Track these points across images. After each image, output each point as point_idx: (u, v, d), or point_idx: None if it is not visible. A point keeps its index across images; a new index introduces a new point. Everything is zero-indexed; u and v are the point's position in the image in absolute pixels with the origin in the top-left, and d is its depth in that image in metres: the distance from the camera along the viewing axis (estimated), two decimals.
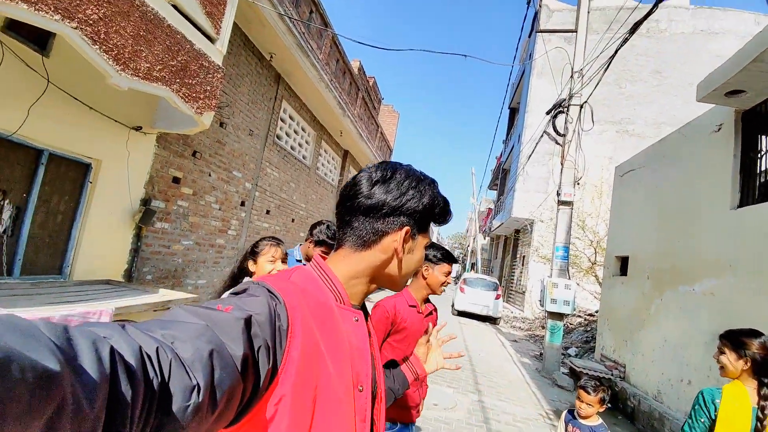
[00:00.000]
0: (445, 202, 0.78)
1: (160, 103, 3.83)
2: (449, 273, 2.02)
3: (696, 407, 1.81)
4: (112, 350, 0.35)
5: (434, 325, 2.10)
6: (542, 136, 8.76)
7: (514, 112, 20.24)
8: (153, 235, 4.41)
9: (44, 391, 0.26)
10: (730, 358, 1.77)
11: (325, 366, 0.58)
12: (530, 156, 10.47)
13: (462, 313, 11.80)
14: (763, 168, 3.85)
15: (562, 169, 7.13)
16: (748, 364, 1.71)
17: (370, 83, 13.51)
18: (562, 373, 6.24)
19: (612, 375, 5.60)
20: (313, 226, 2.50)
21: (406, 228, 0.71)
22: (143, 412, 0.36)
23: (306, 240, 2.57)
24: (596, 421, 2.33)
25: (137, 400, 0.35)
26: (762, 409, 1.61)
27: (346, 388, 0.60)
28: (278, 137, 7.29)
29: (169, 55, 3.00)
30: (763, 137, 3.86)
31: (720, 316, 3.85)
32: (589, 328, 8.65)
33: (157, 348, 0.40)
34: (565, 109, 7.54)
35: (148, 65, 2.81)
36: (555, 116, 7.87)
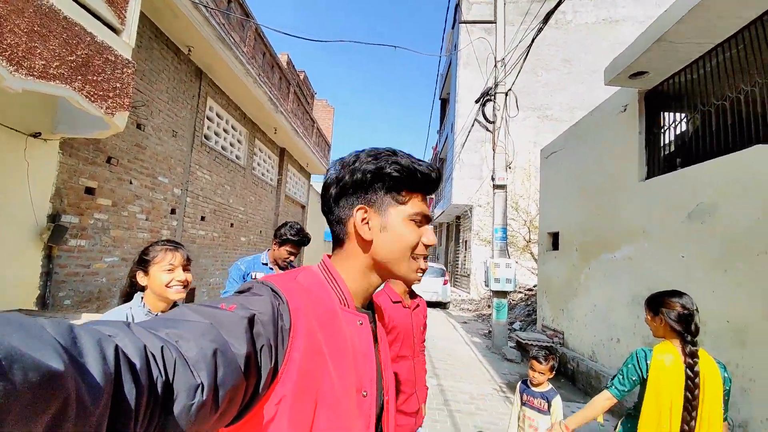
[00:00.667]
0: (408, 160, 0.67)
1: (60, 104, 3.35)
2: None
3: (629, 365, 1.84)
4: (117, 349, 0.35)
5: (424, 318, 2.01)
6: (473, 124, 9.16)
7: (445, 102, 20.95)
8: (67, 255, 3.89)
9: (47, 391, 0.26)
10: (649, 320, 1.86)
11: (328, 369, 0.57)
12: (464, 144, 10.90)
13: None
14: (665, 142, 4.37)
15: (494, 155, 7.51)
16: (663, 323, 1.78)
17: (301, 77, 13.12)
18: (510, 347, 6.64)
19: (553, 342, 6.08)
20: (278, 229, 2.52)
21: (358, 206, 0.67)
22: (147, 411, 0.36)
23: (273, 243, 2.54)
24: (547, 387, 2.50)
25: (141, 400, 0.35)
26: (690, 366, 1.65)
27: (348, 392, 0.58)
28: (206, 137, 6.80)
29: (66, 49, 2.63)
30: (665, 114, 4.36)
31: (638, 278, 4.33)
32: (529, 302, 9.31)
33: (162, 347, 0.40)
34: (492, 97, 7.95)
35: (43, 62, 2.44)
36: (483, 104, 8.26)
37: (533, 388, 2.50)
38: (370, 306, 0.74)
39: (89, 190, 4.14)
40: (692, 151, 3.92)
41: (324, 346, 0.58)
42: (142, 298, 1.46)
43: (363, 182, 0.66)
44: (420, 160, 0.68)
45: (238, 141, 8.24)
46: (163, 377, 0.38)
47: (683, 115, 4.17)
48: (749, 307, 2.97)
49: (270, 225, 10.30)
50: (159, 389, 0.37)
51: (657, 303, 1.83)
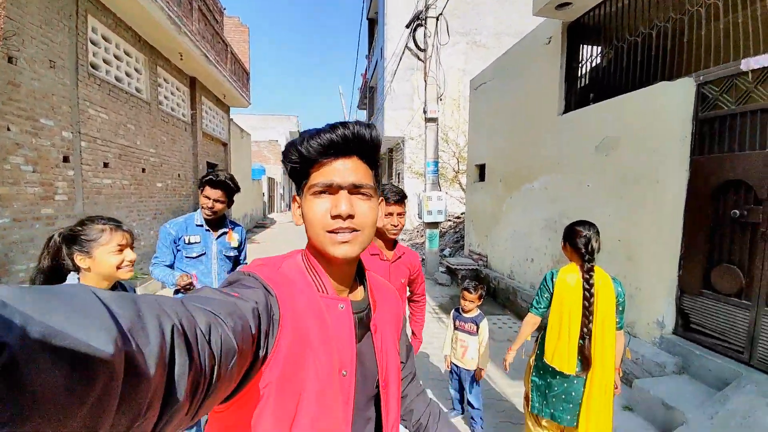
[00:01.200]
0: (303, 137, 0.67)
1: None
2: (390, 213, 1.89)
3: (541, 286, 2.16)
4: (173, 324, 0.37)
5: (408, 270, 2.07)
6: (404, 51, 8.78)
7: (373, 23, 19.54)
8: None
9: (86, 372, 0.26)
10: (562, 246, 2.15)
11: (313, 355, 0.61)
12: (395, 72, 10.52)
13: None
14: (582, 76, 4.62)
15: (426, 86, 7.40)
16: (568, 247, 2.07)
17: None
18: (441, 272, 7.25)
19: (478, 265, 6.74)
20: (202, 177, 2.34)
21: (293, 195, 0.74)
22: (195, 379, 0.39)
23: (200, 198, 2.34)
24: (475, 312, 2.82)
25: (191, 369, 0.38)
26: (586, 280, 2.00)
27: (332, 374, 0.63)
28: (94, 66, 5.68)
29: None
30: (584, 48, 4.55)
31: (552, 206, 4.83)
32: (457, 230, 10.04)
33: (210, 322, 0.44)
34: (423, 21, 7.58)
35: None
36: (414, 29, 7.88)
37: (464, 314, 2.81)
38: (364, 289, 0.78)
39: None
40: (604, 85, 4.21)
41: (310, 333, 0.62)
42: (78, 279, 1.38)
43: (291, 169, 0.70)
44: (321, 130, 0.65)
45: (136, 70, 7.02)
46: (209, 348, 0.42)
47: (599, 49, 4.39)
48: (638, 228, 3.51)
49: (189, 167, 9.40)
50: (206, 359, 0.41)
51: (566, 231, 2.11)
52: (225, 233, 2.41)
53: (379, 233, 1.97)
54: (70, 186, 5.01)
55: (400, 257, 2.06)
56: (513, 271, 5.82)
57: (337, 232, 0.65)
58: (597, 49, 4.41)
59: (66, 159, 4.94)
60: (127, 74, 6.70)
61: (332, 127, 0.65)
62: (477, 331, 2.75)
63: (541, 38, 5.10)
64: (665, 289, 3.25)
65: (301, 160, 0.66)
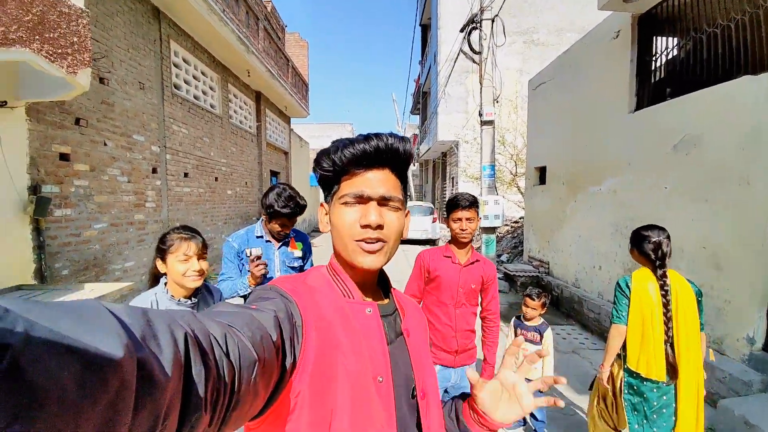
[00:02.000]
0: (337, 146, 0.67)
1: (21, 68, 3.05)
2: (459, 219, 2.00)
3: (617, 295, 2.09)
4: (186, 333, 0.37)
5: (482, 277, 2.06)
6: (458, 55, 8.71)
7: (426, 29, 19.62)
8: (56, 226, 3.80)
9: (95, 377, 0.26)
10: (629, 250, 2.14)
11: (344, 360, 0.60)
12: (449, 76, 10.47)
13: (403, 241, 12.42)
14: (656, 69, 4.28)
15: (481, 89, 7.27)
16: (637, 252, 2.06)
17: (269, 8, 11.96)
18: (499, 278, 7.04)
19: (539, 272, 6.46)
20: (265, 196, 2.09)
21: (321, 203, 0.74)
22: (214, 391, 0.39)
23: (263, 215, 2.21)
24: (539, 321, 2.72)
25: (209, 380, 0.38)
26: (661, 286, 1.96)
27: (366, 380, 0.61)
28: (176, 87, 6.35)
29: (22, 10, 2.36)
30: (658, 39, 4.22)
31: (621, 209, 4.51)
32: (515, 234, 9.69)
33: (225, 333, 0.43)
34: (478, 24, 7.47)
35: (2, 29, 2.21)
36: (469, 33, 7.79)
37: (526, 323, 2.72)
38: (391, 303, 0.76)
39: (64, 156, 3.93)
40: (682, 80, 3.87)
41: (338, 339, 0.61)
42: (165, 284, 1.50)
43: (320, 177, 0.70)
44: (355, 141, 0.66)
45: (211, 88, 7.72)
46: (228, 359, 0.41)
47: (675, 41, 4.05)
48: (725, 234, 3.17)
49: (255, 175, 10.09)
50: (225, 370, 0.40)
51: (634, 236, 2.10)
52: (287, 243, 2.27)
53: (453, 237, 2.10)
54: (157, 194, 5.62)
55: (473, 263, 2.09)
56: (578, 278, 5.50)
57: (365, 242, 0.65)
58: (672, 41, 4.07)
59: (154, 170, 5.56)
60: (203, 92, 7.39)
61: (366, 138, 0.65)
62: (540, 341, 2.65)
63: (608, 32, 4.82)
64: (756, 301, 2.90)
65: (333, 169, 0.67)
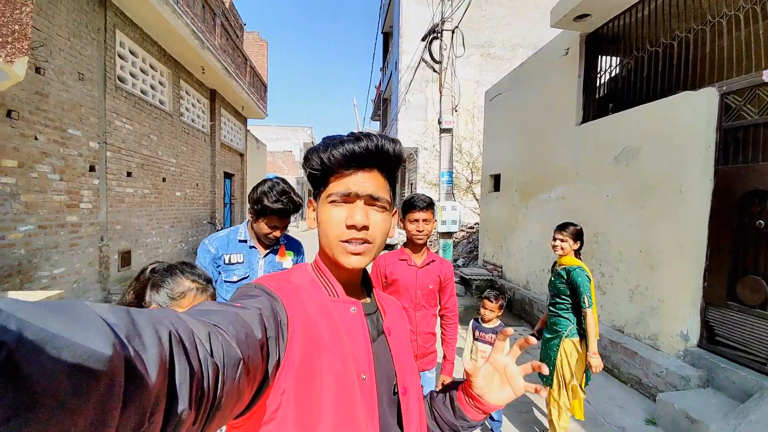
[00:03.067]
0: (327, 144, 0.66)
1: None
2: (416, 219, 1.98)
3: (586, 283, 2.39)
4: (170, 332, 0.37)
5: (438, 277, 2.06)
6: (419, 63, 8.88)
7: (388, 37, 19.88)
8: None
9: (88, 372, 0.26)
10: (569, 243, 2.51)
11: (328, 358, 0.60)
12: (410, 84, 10.64)
13: None
14: (601, 86, 4.60)
15: (440, 98, 7.44)
16: (577, 245, 2.53)
17: (227, 5, 11.54)
18: (456, 282, 7.19)
19: (493, 276, 6.67)
20: (253, 191, 1.78)
21: (309, 199, 0.75)
22: (200, 389, 0.38)
23: (249, 214, 1.86)
24: (496, 323, 2.78)
25: (193, 379, 0.37)
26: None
27: (350, 378, 0.61)
28: (121, 79, 5.91)
29: None
30: (603, 58, 4.54)
31: (569, 215, 4.76)
32: (471, 240, 9.97)
33: (209, 331, 0.43)
34: (439, 34, 7.67)
35: None
36: (430, 42, 7.97)
37: (484, 325, 2.78)
38: (370, 294, 0.78)
39: None
40: (624, 95, 4.19)
41: (323, 338, 0.61)
42: None
43: (309, 175, 0.70)
44: (346, 140, 0.65)
45: (160, 83, 7.27)
46: (212, 357, 0.41)
47: (619, 59, 4.38)
48: (660, 238, 3.44)
49: (207, 176, 9.61)
50: (209, 369, 0.40)
51: (580, 233, 2.56)
52: (275, 250, 1.91)
53: (408, 239, 2.07)
54: (94, 194, 5.17)
55: (429, 263, 2.08)
56: (529, 281, 5.74)
57: (350, 242, 0.65)
58: (616, 60, 4.40)
59: (92, 168, 5.11)
60: (152, 87, 6.94)
61: (356, 139, 0.65)
62: None
63: (559, 49, 5.12)
64: (689, 301, 3.16)
65: (322, 168, 0.67)
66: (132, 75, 6.27)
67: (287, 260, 1.93)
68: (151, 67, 6.90)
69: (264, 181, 1.79)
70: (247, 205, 1.95)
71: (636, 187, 3.72)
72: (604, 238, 4.15)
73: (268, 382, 0.53)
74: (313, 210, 0.72)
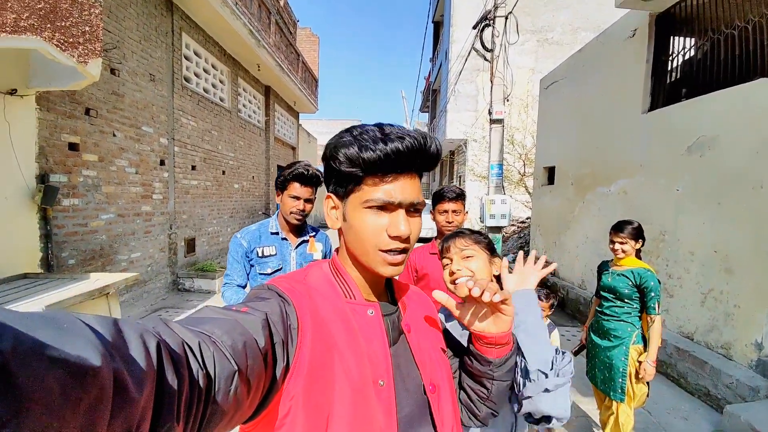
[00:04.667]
0: (359, 141, 0.60)
1: (33, 57, 3.08)
2: (445, 210, 1.96)
3: (657, 288, 2.24)
4: (159, 342, 0.37)
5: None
6: (470, 52, 8.62)
7: (438, 26, 19.49)
8: (63, 215, 3.84)
9: (77, 382, 0.27)
10: (631, 244, 2.33)
11: (343, 364, 0.58)
12: (460, 73, 10.38)
13: None
14: (672, 70, 4.18)
15: (492, 87, 7.18)
16: (639, 246, 2.36)
17: (281, 3, 11.96)
18: None
19: None
20: (278, 176, 1.85)
21: (327, 194, 0.68)
22: (188, 401, 0.38)
23: (276, 197, 1.92)
24: (546, 323, 2.68)
25: (182, 390, 0.37)
26: None
27: (366, 383, 0.59)
28: (187, 79, 6.37)
29: None
30: (675, 39, 4.12)
31: (631, 211, 4.42)
32: (521, 234, 9.60)
33: (199, 341, 0.42)
34: (491, 21, 7.38)
35: (14, 16, 2.22)
36: (482, 30, 7.70)
37: None
38: (394, 299, 0.74)
39: (73, 146, 3.97)
40: (698, 81, 3.77)
41: (337, 342, 0.59)
42: None
43: (330, 170, 0.65)
44: (387, 138, 0.59)
45: (221, 81, 7.74)
46: (203, 369, 0.40)
47: (692, 41, 3.95)
48: (737, 238, 3.09)
49: (262, 169, 10.12)
50: (200, 380, 0.40)
51: (640, 231, 2.36)
52: (306, 242, 1.96)
53: (438, 231, 2.04)
54: (164, 186, 5.66)
55: None
56: (584, 280, 5.42)
57: (390, 252, 0.61)
58: (689, 42, 3.97)
59: (162, 162, 5.59)
60: (213, 85, 7.41)
61: (399, 137, 0.59)
62: None
63: (625, 31, 4.71)
64: (766, 306, 2.82)
65: (359, 167, 0.60)
66: (196, 75, 6.73)
67: (318, 252, 1.97)
68: (213, 66, 7.36)
69: (290, 165, 1.87)
70: None
71: (711, 181, 3.36)
72: (672, 236, 3.80)
73: (276, 388, 0.52)
74: (334, 207, 0.67)
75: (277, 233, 1.91)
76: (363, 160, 0.59)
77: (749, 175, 3.00)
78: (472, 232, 1.14)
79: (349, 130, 0.63)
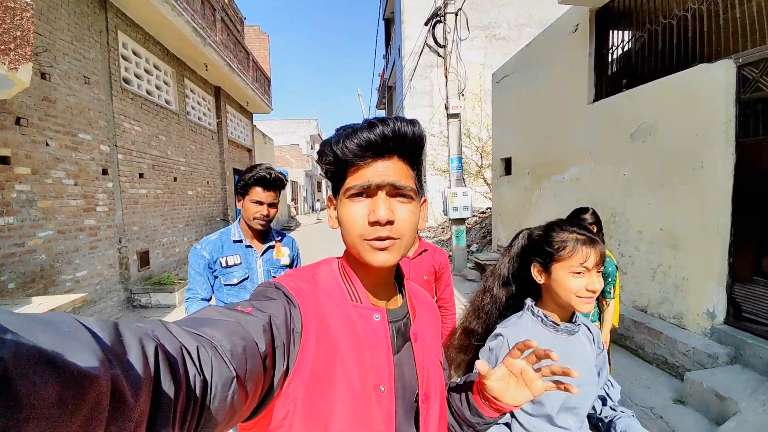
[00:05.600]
0: (339, 136, 0.61)
1: None
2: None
3: (615, 271, 2.36)
4: (157, 347, 0.36)
5: (431, 266, 1.97)
6: (423, 48, 8.73)
7: (389, 23, 19.55)
8: None
9: (77, 387, 0.27)
10: (595, 231, 2.35)
11: (345, 369, 0.57)
12: (414, 70, 10.48)
13: None
14: (613, 62, 4.46)
15: (446, 82, 7.32)
16: (594, 228, 2.34)
17: (226, 0, 11.43)
18: (470, 268, 7.17)
19: None
20: (238, 180, 1.76)
21: (328, 197, 0.69)
22: (185, 406, 0.38)
23: (237, 202, 1.80)
24: None
25: (179, 395, 0.37)
26: None
27: (367, 389, 0.58)
28: (126, 81, 5.92)
29: None
30: (615, 33, 4.39)
31: (584, 196, 4.69)
32: (483, 225, 9.90)
33: (198, 346, 0.42)
34: (442, 17, 7.50)
35: None
36: (434, 26, 7.81)
37: None
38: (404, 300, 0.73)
39: (3, 160, 3.55)
40: (638, 71, 4.05)
41: (341, 346, 0.58)
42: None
43: (325, 171, 0.65)
44: (358, 128, 0.60)
45: (165, 83, 7.27)
46: (201, 375, 0.40)
47: (631, 33, 4.23)
48: (682, 216, 3.36)
49: (217, 174, 9.66)
50: (196, 386, 0.39)
51: (597, 218, 2.38)
52: (272, 247, 1.86)
53: None
54: (109, 197, 5.23)
55: (421, 253, 1.98)
56: None
57: (374, 241, 0.60)
58: (628, 34, 4.25)
59: (105, 171, 5.16)
60: (157, 87, 6.95)
61: (370, 126, 0.59)
62: None
63: (567, 26, 4.97)
64: (715, 278, 3.09)
65: (337, 162, 0.61)
66: (137, 76, 6.27)
67: (285, 257, 1.89)
68: (155, 67, 6.90)
69: (251, 168, 1.77)
70: None
71: (654, 165, 3.63)
72: (622, 218, 4.07)
73: (274, 392, 0.52)
74: (334, 208, 0.67)
75: (240, 241, 1.81)
76: (337, 153, 0.60)
77: (690, 157, 3.26)
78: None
79: (336, 130, 0.64)
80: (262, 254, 1.84)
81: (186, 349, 0.40)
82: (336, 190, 0.65)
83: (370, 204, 0.60)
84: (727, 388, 2.59)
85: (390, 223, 0.59)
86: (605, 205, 4.28)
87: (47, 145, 4.16)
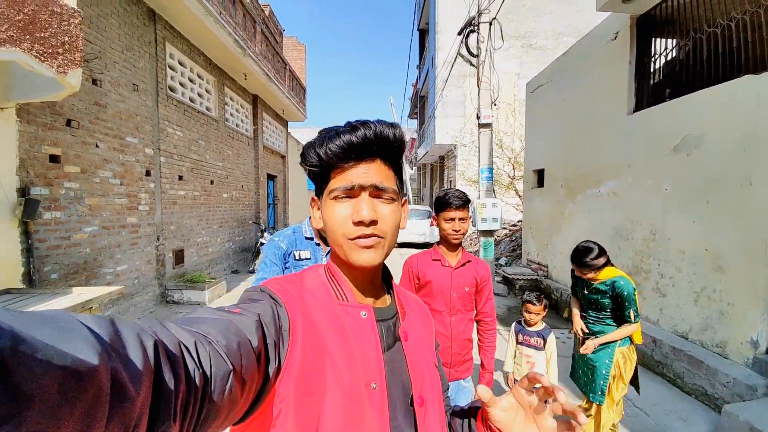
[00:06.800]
0: (322, 138, 0.63)
1: (12, 68, 2.99)
2: (452, 219, 1.84)
3: (635, 298, 2.24)
4: (156, 342, 0.37)
5: (475, 279, 1.94)
6: (456, 58, 8.70)
7: (424, 33, 19.68)
8: (45, 228, 3.72)
9: (76, 382, 0.27)
10: (599, 261, 2.33)
11: (334, 366, 0.57)
12: (447, 80, 10.46)
13: (401, 245, 12.39)
14: (655, 71, 4.25)
15: (479, 92, 7.24)
16: (605, 258, 2.34)
17: (266, 13, 11.94)
18: (497, 281, 6.98)
19: (537, 275, 6.39)
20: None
21: (312, 197, 0.71)
22: (185, 400, 0.38)
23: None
24: (541, 325, 2.65)
25: (179, 389, 0.37)
26: None
27: (358, 386, 0.58)
28: (171, 89, 6.28)
29: (14, 9, 2.33)
30: (657, 40, 4.19)
31: (621, 211, 4.47)
32: (513, 238, 9.63)
33: (195, 341, 0.42)
34: (476, 27, 7.46)
35: None
36: (467, 36, 7.78)
37: (529, 328, 2.65)
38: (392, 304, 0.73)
39: (54, 158, 3.85)
40: (681, 80, 3.84)
41: (329, 344, 0.59)
42: None
43: (309, 172, 0.67)
44: (341, 131, 0.61)
45: (207, 91, 7.65)
46: (200, 369, 0.41)
47: (674, 42, 4.03)
48: (727, 236, 3.12)
49: (251, 178, 10.01)
50: (196, 379, 0.39)
51: (602, 250, 2.36)
52: None
53: (442, 238, 1.94)
54: (151, 197, 5.54)
55: (464, 264, 1.94)
56: None
57: (360, 239, 0.61)
58: (671, 43, 4.05)
59: (148, 173, 5.48)
60: (199, 95, 7.33)
61: (353, 128, 0.61)
62: (544, 345, 2.58)
63: (606, 34, 4.80)
64: (760, 305, 2.84)
65: (321, 164, 0.63)
66: (181, 84, 6.65)
67: None
68: (198, 76, 7.28)
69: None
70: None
71: (699, 180, 3.40)
72: (662, 235, 3.83)
73: (267, 390, 0.52)
74: (318, 209, 0.69)
75: (311, 238, 1.94)
76: (321, 156, 0.62)
77: (736, 173, 3.04)
78: None
79: (319, 132, 0.65)
80: (327, 254, 1.97)
81: (184, 344, 0.41)
82: (320, 191, 0.67)
83: (354, 204, 0.62)
84: (762, 422, 2.39)
85: (374, 222, 0.61)
86: (644, 222, 4.06)
87: (97, 146, 4.47)
